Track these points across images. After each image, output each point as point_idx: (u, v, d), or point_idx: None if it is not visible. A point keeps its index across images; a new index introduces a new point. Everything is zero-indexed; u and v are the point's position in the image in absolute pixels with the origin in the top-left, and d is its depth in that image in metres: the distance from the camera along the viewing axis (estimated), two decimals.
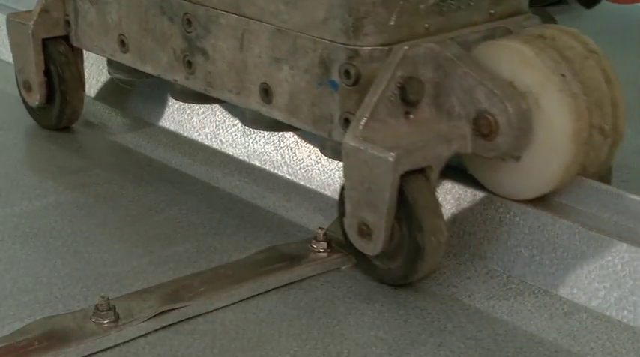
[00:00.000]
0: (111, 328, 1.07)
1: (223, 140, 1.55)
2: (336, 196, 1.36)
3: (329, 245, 1.25)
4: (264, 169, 1.48)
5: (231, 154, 1.53)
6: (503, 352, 1.06)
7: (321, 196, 1.39)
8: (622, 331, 1.08)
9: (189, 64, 1.38)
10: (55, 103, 1.63)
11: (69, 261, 1.23)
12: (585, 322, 1.10)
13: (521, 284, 1.17)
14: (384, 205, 1.12)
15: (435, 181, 1.16)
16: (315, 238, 1.26)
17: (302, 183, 1.43)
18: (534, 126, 1.14)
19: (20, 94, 1.65)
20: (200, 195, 1.44)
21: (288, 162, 1.46)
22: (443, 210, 1.16)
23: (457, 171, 1.27)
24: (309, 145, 1.44)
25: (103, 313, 1.08)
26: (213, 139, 1.56)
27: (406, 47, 1.16)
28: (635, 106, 1.93)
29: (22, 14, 1.64)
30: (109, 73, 1.63)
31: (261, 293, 1.16)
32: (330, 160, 1.39)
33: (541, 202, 1.20)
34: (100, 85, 1.77)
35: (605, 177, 1.27)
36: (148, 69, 1.47)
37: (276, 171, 1.47)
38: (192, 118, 1.61)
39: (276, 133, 1.48)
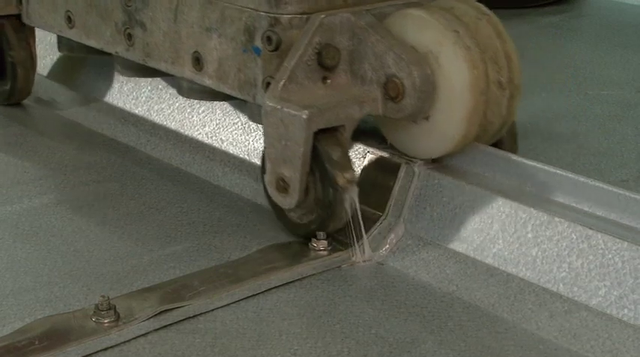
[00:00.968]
0: (111, 327, 1.07)
1: (224, 138, 1.55)
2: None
3: (329, 244, 1.25)
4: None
5: (231, 152, 1.53)
6: (503, 351, 1.06)
7: None
8: (622, 330, 1.08)
9: (130, 36, 1.48)
10: (7, 78, 1.73)
11: (69, 260, 1.23)
12: (586, 321, 1.10)
13: (520, 282, 1.16)
14: (298, 161, 1.21)
15: (348, 140, 1.26)
16: (316, 237, 1.26)
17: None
18: (437, 86, 1.24)
19: None
20: (200, 193, 1.44)
21: None
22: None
23: (372, 133, 1.37)
24: None
25: (103, 312, 1.08)
26: (214, 138, 1.56)
27: (323, 16, 1.25)
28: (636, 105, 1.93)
29: None
30: (59, 49, 1.72)
31: (262, 292, 1.16)
32: None
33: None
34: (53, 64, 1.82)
35: (510, 142, 1.40)
36: (92, 43, 1.57)
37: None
38: (192, 116, 1.61)
39: None
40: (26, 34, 1.72)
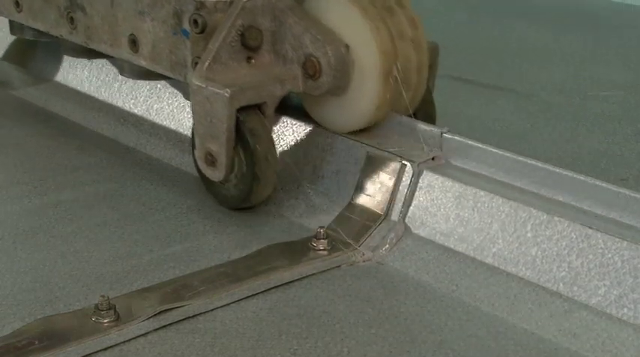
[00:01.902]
0: (111, 327, 1.07)
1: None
2: (336, 194, 1.36)
3: (329, 243, 1.26)
4: None
5: None
6: (503, 350, 1.06)
7: (322, 194, 1.39)
8: (622, 329, 1.08)
9: (72, 19, 1.58)
10: None
11: (69, 260, 1.23)
12: (585, 320, 1.10)
13: (520, 282, 1.16)
14: (223, 136, 1.31)
15: (271, 116, 1.34)
16: (316, 237, 1.26)
17: (303, 181, 1.43)
18: (351, 63, 1.34)
19: None
20: (200, 193, 1.44)
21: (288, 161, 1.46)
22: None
23: (297, 110, 1.47)
24: (309, 144, 1.44)
25: (103, 312, 1.08)
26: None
27: (245, 0, 1.33)
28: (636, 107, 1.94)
29: None
30: (11, 32, 1.81)
31: (262, 292, 1.16)
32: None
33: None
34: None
35: (429, 115, 1.51)
36: (38, 26, 1.67)
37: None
38: (191, 115, 1.60)
39: None
40: None
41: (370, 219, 1.30)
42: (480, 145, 1.31)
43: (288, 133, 1.47)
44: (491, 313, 1.13)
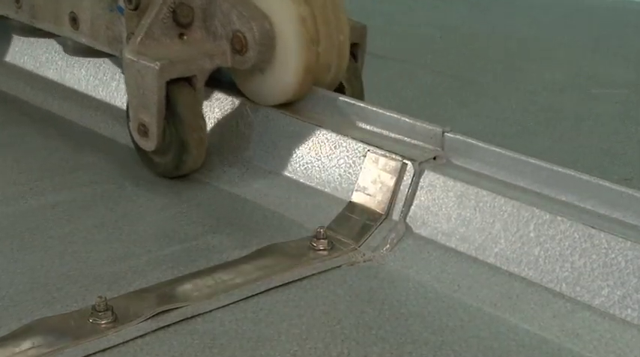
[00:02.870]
0: (109, 328, 1.07)
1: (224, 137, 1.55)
2: (336, 194, 1.36)
3: (329, 243, 1.25)
4: (261, 167, 1.48)
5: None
6: (505, 352, 1.06)
7: (321, 193, 1.39)
8: (626, 330, 1.07)
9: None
10: None
11: (66, 261, 1.23)
12: (589, 321, 1.10)
13: (522, 282, 1.16)
14: (154, 107, 1.39)
15: (201, 89, 1.43)
16: (316, 237, 1.26)
17: (302, 180, 1.43)
18: (275, 38, 1.43)
19: None
20: (198, 193, 1.44)
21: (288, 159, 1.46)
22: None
23: (229, 85, 1.56)
24: (308, 142, 1.44)
25: (100, 313, 1.08)
26: (214, 137, 1.56)
27: None
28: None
29: None
30: None
31: (261, 293, 1.16)
32: (329, 157, 1.40)
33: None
34: None
35: (357, 92, 1.60)
36: None
37: (274, 168, 1.47)
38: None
39: None
40: None
41: (371, 219, 1.30)
42: (482, 144, 1.31)
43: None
44: (493, 314, 1.13)
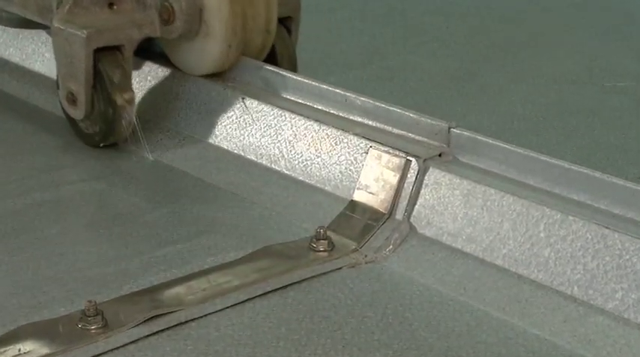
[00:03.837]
0: (99, 334, 1.07)
1: (217, 133, 1.55)
2: (337, 192, 1.37)
3: (329, 244, 1.26)
4: (260, 164, 1.49)
5: (225, 147, 1.53)
6: None
7: (321, 191, 1.40)
8: None
9: None
10: None
11: (54, 263, 1.24)
12: (602, 326, 1.10)
13: (532, 284, 1.16)
14: (82, 76, 1.48)
15: (129, 59, 1.52)
16: (315, 237, 1.26)
17: (301, 178, 1.43)
18: (202, 8, 1.52)
19: None
20: (193, 192, 1.44)
21: (285, 156, 1.46)
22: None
23: (161, 56, 1.66)
24: (307, 139, 1.44)
25: (90, 318, 1.08)
26: (207, 132, 1.57)
27: None
28: None
29: None
30: None
31: (258, 296, 1.17)
32: (330, 153, 1.41)
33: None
34: None
35: (291, 64, 1.69)
36: None
37: (273, 165, 1.47)
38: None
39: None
40: None
41: (373, 218, 1.30)
42: (489, 141, 1.31)
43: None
44: (501, 318, 1.13)
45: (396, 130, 1.40)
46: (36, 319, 1.10)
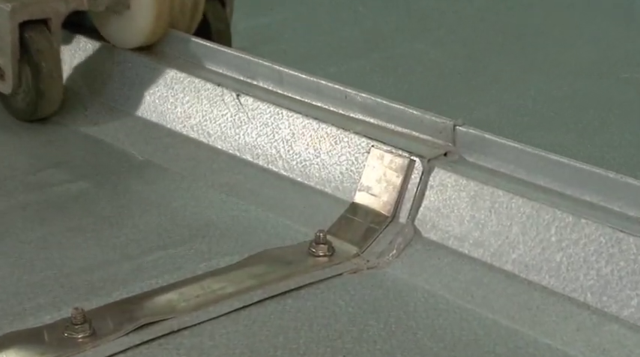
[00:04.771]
0: (86, 343, 1.08)
1: (211, 132, 1.56)
2: (337, 194, 1.37)
3: (329, 249, 1.26)
4: (256, 164, 1.50)
5: (219, 147, 1.54)
6: None
7: (321, 193, 1.40)
8: None
9: None
10: None
11: (39, 268, 1.24)
12: (617, 335, 1.10)
13: (543, 291, 1.17)
14: (8, 49, 1.57)
15: (57, 32, 1.61)
16: (315, 241, 1.27)
17: (299, 179, 1.44)
18: None
19: None
20: (185, 194, 1.44)
21: (283, 156, 1.47)
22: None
23: (92, 30, 1.77)
24: (306, 138, 1.45)
25: (77, 326, 1.08)
26: (200, 131, 1.57)
27: None
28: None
29: None
30: None
31: (254, 303, 1.17)
32: (329, 153, 1.41)
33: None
34: None
35: (225, 40, 1.81)
36: None
37: (270, 166, 1.48)
38: (176, 107, 1.62)
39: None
40: None
41: (375, 221, 1.31)
42: (497, 139, 1.31)
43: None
44: (510, 327, 1.14)
45: (399, 129, 1.41)
46: (20, 327, 1.11)
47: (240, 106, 1.53)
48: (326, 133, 1.43)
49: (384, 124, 1.42)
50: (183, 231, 1.34)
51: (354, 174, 1.37)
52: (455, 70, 2.06)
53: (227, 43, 1.80)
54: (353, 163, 1.38)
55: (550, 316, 1.14)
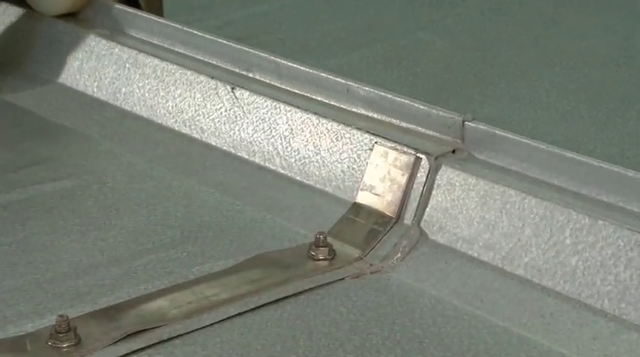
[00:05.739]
0: (71, 352, 1.07)
1: (204, 128, 1.56)
2: (338, 194, 1.37)
3: (330, 252, 1.26)
4: (253, 162, 1.50)
5: (213, 143, 1.54)
6: None
7: (321, 193, 1.40)
8: None
9: None
10: None
11: (21, 273, 1.24)
12: (636, 344, 1.10)
13: (557, 297, 1.17)
14: None
15: None
16: (315, 244, 1.27)
17: (298, 178, 1.44)
18: None
19: None
20: (177, 193, 1.44)
21: (281, 153, 1.47)
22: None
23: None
24: (305, 134, 1.45)
25: (61, 335, 1.08)
26: (193, 127, 1.57)
27: None
28: None
29: None
30: None
31: (250, 310, 1.17)
32: (330, 150, 1.41)
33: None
34: None
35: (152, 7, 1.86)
36: None
37: (267, 164, 1.48)
38: (167, 101, 1.62)
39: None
40: None
41: (379, 223, 1.31)
42: (509, 135, 1.31)
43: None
44: (522, 335, 1.14)
45: (404, 124, 1.41)
46: (0, 336, 1.10)
47: (235, 100, 1.53)
48: (326, 128, 1.43)
49: (388, 119, 1.42)
50: (174, 233, 1.34)
51: (356, 172, 1.38)
52: (463, 62, 2.06)
53: (157, 12, 1.85)
54: (355, 160, 1.38)
55: (565, 323, 1.14)
